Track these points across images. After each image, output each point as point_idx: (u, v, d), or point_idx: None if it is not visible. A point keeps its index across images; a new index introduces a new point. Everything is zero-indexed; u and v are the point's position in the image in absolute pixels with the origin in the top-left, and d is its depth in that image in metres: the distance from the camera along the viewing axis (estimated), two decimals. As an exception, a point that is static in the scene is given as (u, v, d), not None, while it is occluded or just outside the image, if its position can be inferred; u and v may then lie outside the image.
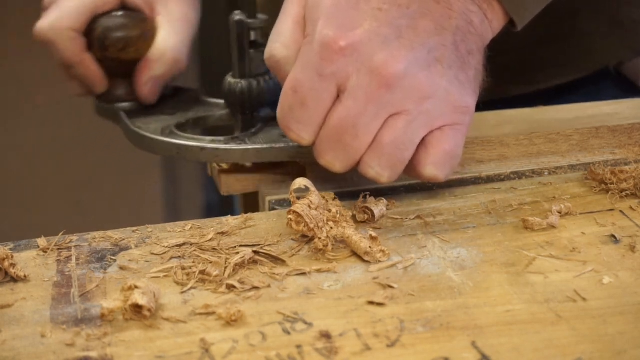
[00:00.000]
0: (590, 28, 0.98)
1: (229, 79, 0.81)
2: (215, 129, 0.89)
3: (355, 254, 0.66)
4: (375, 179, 0.70)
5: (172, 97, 0.90)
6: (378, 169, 0.69)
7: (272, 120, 0.82)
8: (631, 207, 0.72)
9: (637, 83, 1.00)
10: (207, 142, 0.77)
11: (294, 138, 0.70)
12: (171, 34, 0.88)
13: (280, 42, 0.71)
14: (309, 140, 0.70)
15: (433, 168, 0.70)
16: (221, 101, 0.88)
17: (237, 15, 0.79)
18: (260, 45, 0.80)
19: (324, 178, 0.77)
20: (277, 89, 0.81)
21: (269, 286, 0.62)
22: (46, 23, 0.85)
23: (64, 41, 0.85)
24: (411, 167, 0.70)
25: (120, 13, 0.86)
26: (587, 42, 0.98)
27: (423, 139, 0.69)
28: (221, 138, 0.79)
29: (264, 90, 0.81)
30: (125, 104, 0.87)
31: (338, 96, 0.68)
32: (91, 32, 0.86)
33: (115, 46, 0.85)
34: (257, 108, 0.81)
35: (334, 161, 0.70)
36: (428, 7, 0.68)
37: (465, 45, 0.69)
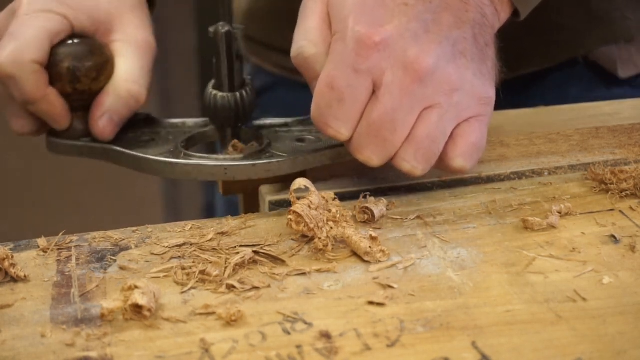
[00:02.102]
0: (565, 19, 0.99)
1: (218, 93, 0.79)
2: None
3: (355, 254, 0.66)
4: (410, 173, 0.70)
5: (129, 124, 0.82)
6: (414, 162, 0.70)
7: (262, 129, 0.81)
8: (631, 207, 0.72)
9: (615, 72, 1.00)
10: (247, 159, 0.75)
11: (332, 134, 0.70)
12: (127, 63, 0.80)
13: (308, 40, 0.71)
14: (348, 136, 0.70)
15: (462, 160, 0.71)
16: (180, 120, 0.84)
17: (225, 27, 0.77)
18: (240, 55, 0.79)
19: (324, 178, 0.77)
20: (254, 100, 0.80)
21: (269, 286, 0.62)
22: (5, 56, 0.75)
23: (27, 75, 0.75)
24: (440, 160, 0.71)
25: (77, 41, 0.78)
26: (561, 33, 0.99)
27: (451, 132, 0.70)
28: (249, 152, 0.77)
29: (251, 101, 0.80)
30: (86, 139, 0.80)
31: (373, 91, 0.69)
32: (56, 64, 0.77)
33: (88, 76, 0.78)
34: (248, 119, 0.80)
35: (372, 156, 0.70)
36: (447, 1, 0.69)
37: (483, 38, 0.71)
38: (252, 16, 1.08)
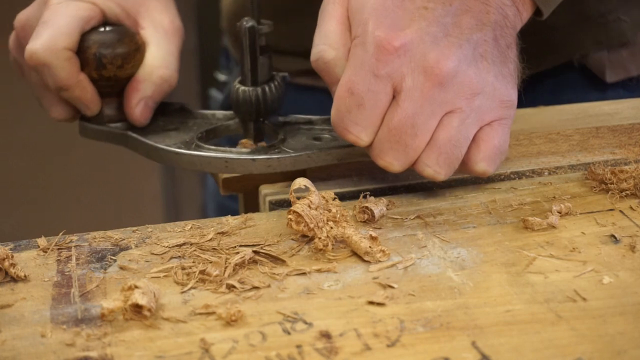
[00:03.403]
0: (559, 21, 0.98)
1: (240, 87, 0.79)
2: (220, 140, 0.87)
3: (355, 254, 0.66)
4: (432, 177, 0.70)
5: (161, 112, 0.85)
6: (436, 167, 0.69)
7: (286, 126, 0.82)
8: (631, 207, 0.72)
9: (603, 76, 1.00)
10: (250, 154, 0.76)
11: (352, 140, 0.70)
12: (158, 49, 0.83)
13: (328, 44, 0.71)
14: (368, 142, 0.70)
15: (485, 164, 0.70)
16: (211, 112, 0.86)
17: (249, 22, 0.77)
18: (266, 51, 0.79)
19: (323, 178, 0.77)
20: (281, 95, 0.80)
21: (269, 286, 0.62)
22: (39, 44, 0.78)
23: (61, 62, 0.78)
24: (462, 164, 0.71)
25: (108, 28, 0.81)
26: (556, 35, 0.99)
27: (474, 135, 0.70)
28: (257, 148, 0.78)
29: (275, 97, 0.80)
30: (118, 124, 0.83)
31: (393, 96, 0.68)
32: (84, 50, 0.80)
33: (113, 63, 0.80)
34: (270, 115, 0.81)
35: (393, 161, 0.69)
36: (467, 3, 0.69)
37: (505, 40, 0.70)
38: (240, 14, 1.07)
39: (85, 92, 0.81)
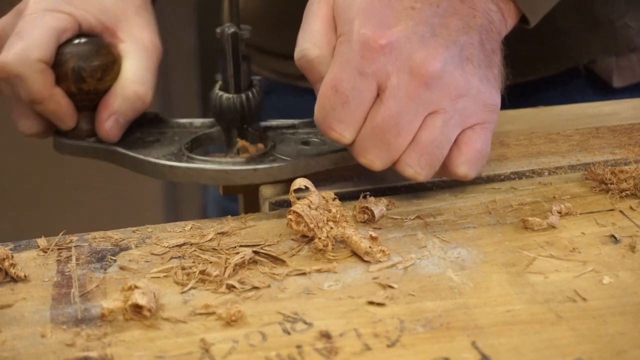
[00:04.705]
0: (567, 26, 0.98)
1: (224, 94, 0.78)
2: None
3: (355, 254, 0.66)
4: (413, 178, 0.70)
5: (137, 123, 0.82)
6: (417, 167, 0.69)
7: (268, 131, 0.81)
8: (631, 207, 0.72)
9: (610, 81, 1.00)
10: (248, 164, 0.75)
11: (335, 137, 0.70)
12: (135, 64, 0.80)
13: (312, 42, 0.70)
14: (351, 139, 0.70)
15: (466, 167, 0.70)
16: (188, 120, 0.84)
17: (231, 28, 0.77)
18: (246, 57, 0.78)
19: (324, 178, 0.77)
20: (262, 101, 0.80)
21: (269, 286, 0.62)
22: (12, 55, 0.75)
23: (33, 74, 0.75)
24: (443, 166, 0.70)
25: (83, 40, 0.78)
26: (563, 40, 0.99)
27: (456, 138, 0.70)
28: (251, 156, 0.77)
29: (258, 102, 0.79)
30: (92, 139, 0.80)
31: (378, 95, 0.68)
32: (61, 64, 0.77)
33: (93, 76, 0.77)
34: (254, 121, 0.80)
35: (375, 160, 0.69)
36: (454, 6, 0.69)
37: (490, 44, 0.70)
38: (245, 19, 1.07)
39: (60, 106, 0.78)
